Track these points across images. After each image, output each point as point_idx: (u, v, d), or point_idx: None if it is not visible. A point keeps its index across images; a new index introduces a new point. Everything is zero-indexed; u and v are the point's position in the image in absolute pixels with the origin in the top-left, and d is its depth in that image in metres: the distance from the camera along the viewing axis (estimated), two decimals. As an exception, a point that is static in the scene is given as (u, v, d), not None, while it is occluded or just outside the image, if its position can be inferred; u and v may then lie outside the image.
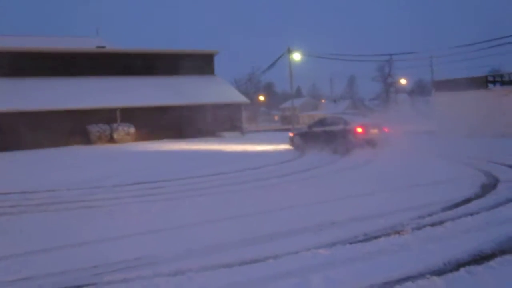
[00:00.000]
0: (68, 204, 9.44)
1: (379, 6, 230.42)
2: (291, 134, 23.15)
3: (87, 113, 31.24)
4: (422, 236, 5.96)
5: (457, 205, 7.78)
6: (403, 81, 72.24)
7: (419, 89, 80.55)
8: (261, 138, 31.77)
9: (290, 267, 4.94)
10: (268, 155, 19.37)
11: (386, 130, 19.57)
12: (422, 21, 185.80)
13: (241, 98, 38.04)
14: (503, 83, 27.53)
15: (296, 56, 37.98)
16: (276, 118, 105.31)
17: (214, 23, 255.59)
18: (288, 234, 6.35)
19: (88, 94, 31.75)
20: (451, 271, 4.70)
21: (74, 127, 30.70)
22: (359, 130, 19.06)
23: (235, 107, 36.56)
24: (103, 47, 37.93)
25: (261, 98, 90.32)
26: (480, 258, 5.06)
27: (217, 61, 40.81)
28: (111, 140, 31.00)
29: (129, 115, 32.31)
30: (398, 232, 6.20)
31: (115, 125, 31.58)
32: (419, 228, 6.36)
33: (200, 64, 38.51)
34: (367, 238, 5.96)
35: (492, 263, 4.89)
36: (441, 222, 6.57)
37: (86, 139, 30.65)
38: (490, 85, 27.80)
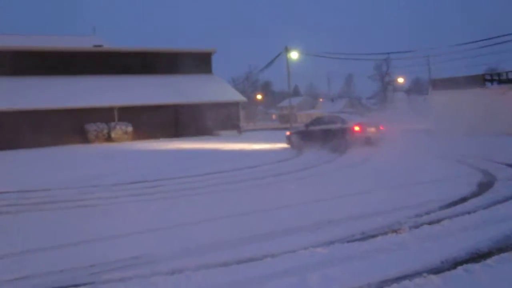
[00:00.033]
0: (66, 203, 9.42)
1: (377, 5, 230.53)
2: (288, 133, 23.18)
3: (84, 112, 31.24)
4: (420, 234, 5.97)
5: (454, 203, 7.79)
6: (400, 80, 72.33)
7: (416, 88, 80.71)
8: (258, 137, 31.76)
9: (287, 266, 4.94)
10: (266, 154, 19.36)
11: (382, 128, 19.64)
12: (419, 20, 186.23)
13: (238, 97, 38.06)
14: (500, 81, 27.55)
15: (294, 55, 38.00)
16: (273, 117, 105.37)
17: (212, 22, 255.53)
18: (286, 232, 6.35)
19: (85, 93, 31.74)
20: (448, 269, 4.71)
21: (71, 126, 30.71)
22: (356, 128, 19.11)
23: (232, 106, 36.58)
24: (100, 46, 37.89)
25: (259, 97, 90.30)
26: (478, 256, 5.07)
27: (214, 60, 40.87)
28: (108, 139, 31.00)
29: (127, 114, 32.32)
30: (395, 231, 6.20)
31: (112, 124, 31.58)
32: (416, 226, 6.37)
33: (198, 63, 38.51)
34: (365, 237, 5.96)
35: (489, 261, 4.90)
36: (438, 221, 6.58)
37: (84, 138, 30.65)
38: (488, 84, 27.82)
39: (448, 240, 5.68)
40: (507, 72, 28.09)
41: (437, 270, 4.68)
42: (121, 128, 31.44)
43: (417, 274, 4.59)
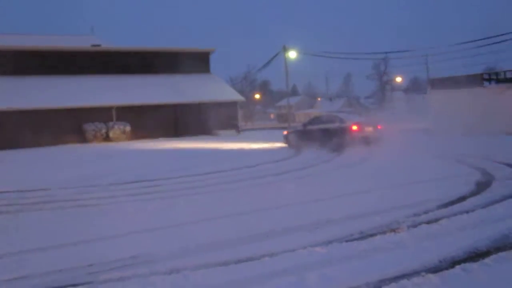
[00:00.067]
0: (64, 203, 9.42)
1: (375, 4, 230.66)
2: (285, 132, 23.19)
3: (82, 111, 31.20)
4: (418, 233, 5.98)
5: (452, 202, 7.80)
6: (398, 79, 72.38)
7: (414, 87, 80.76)
8: (256, 136, 31.76)
9: (286, 265, 4.94)
10: (264, 153, 19.36)
11: (380, 128, 19.67)
12: (417, 19, 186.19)
13: (237, 96, 38.04)
14: (498, 81, 27.59)
15: (292, 54, 38.04)
16: (272, 116, 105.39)
17: (210, 22, 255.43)
18: (284, 232, 6.35)
19: (83, 93, 31.70)
20: (446, 268, 4.72)
21: (69, 125, 30.68)
22: (354, 128, 19.12)
23: (231, 106, 36.56)
24: (98, 45, 37.83)
25: (257, 96, 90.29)
26: (475, 256, 5.08)
27: (213, 60, 40.81)
28: (106, 138, 30.97)
29: (125, 113, 32.28)
30: (393, 230, 6.21)
31: (110, 123, 31.54)
32: (414, 225, 6.38)
33: (196, 62, 38.47)
34: (363, 236, 5.97)
35: (487, 260, 4.91)
36: (436, 220, 6.59)
37: (82, 138, 30.61)
38: (486, 83, 27.86)
39: (446, 239, 5.69)
40: (505, 72, 28.13)
41: (435, 269, 4.69)
42: (119, 128, 31.41)
43: (416, 273, 4.60)
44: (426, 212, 7.12)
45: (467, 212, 7.05)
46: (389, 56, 65.07)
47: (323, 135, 19.80)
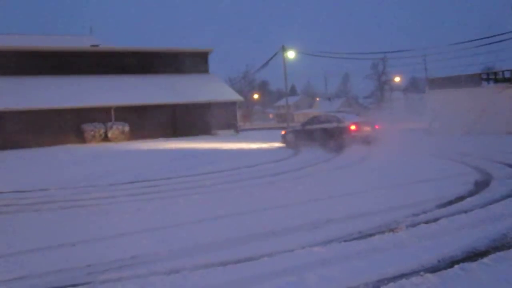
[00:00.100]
0: (63, 203, 9.41)
1: (373, 4, 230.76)
2: (283, 132, 23.21)
3: (81, 111, 31.19)
4: (417, 233, 5.98)
5: (451, 202, 7.81)
6: (397, 79, 72.38)
7: (413, 87, 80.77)
8: (255, 136, 31.77)
9: (285, 265, 4.94)
10: (263, 153, 19.36)
11: (378, 128, 19.71)
12: (416, 19, 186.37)
13: (235, 96, 38.04)
14: (496, 80, 27.63)
15: (291, 54, 38.01)
16: (270, 116, 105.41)
17: (209, 22, 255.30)
18: (283, 232, 6.36)
19: (82, 93, 31.69)
20: (445, 268, 4.72)
21: (68, 125, 30.67)
22: (352, 128, 19.15)
23: (229, 105, 36.57)
24: (97, 45, 37.81)
25: (256, 96, 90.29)
26: (474, 255, 5.09)
27: (211, 60, 40.81)
28: (105, 139, 30.96)
29: (124, 113, 32.27)
30: (392, 230, 6.22)
31: (109, 123, 31.53)
32: (413, 225, 6.39)
33: (195, 62, 38.48)
34: (362, 236, 5.97)
35: (486, 260, 4.91)
36: (435, 220, 6.60)
37: (80, 138, 30.60)
38: (484, 83, 27.89)
39: (445, 239, 5.70)
40: (503, 71, 28.18)
41: (434, 269, 4.69)
42: (118, 128, 31.39)
43: (414, 273, 4.61)
44: (425, 212, 7.13)
45: (465, 212, 7.05)
46: (387, 56, 65.14)
47: (321, 135, 19.83)
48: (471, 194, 8.49)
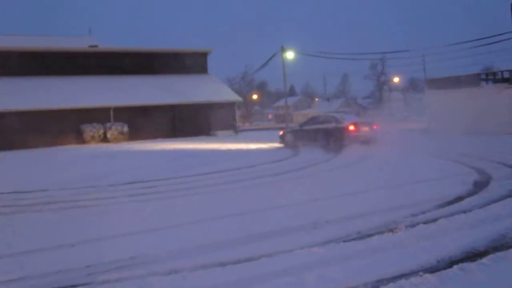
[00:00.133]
0: (62, 204, 9.40)
1: (372, 4, 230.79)
2: (281, 133, 23.25)
3: (80, 112, 31.19)
4: (416, 233, 5.98)
5: (450, 202, 7.82)
6: (396, 79, 72.46)
7: (412, 87, 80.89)
8: (254, 137, 31.79)
9: (284, 266, 4.94)
10: (262, 154, 19.37)
11: (376, 128, 19.75)
12: (415, 20, 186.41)
13: (234, 97, 38.06)
14: (495, 81, 27.68)
15: (290, 55, 37.98)
16: (270, 116, 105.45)
17: (207, 22, 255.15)
18: (283, 232, 6.35)
19: (81, 94, 31.69)
20: (444, 268, 4.73)
21: (67, 126, 30.66)
22: (351, 128, 19.18)
23: (228, 106, 36.59)
24: (96, 46, 37.81)
25: (255, 96, 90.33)
26: (473, 255, 5.09)
27: (210, 60, 40.79)
28: (104, 139, 30.95)
29: (123, 114, 32.27)
30: (391, 230, 6.22)
31: (108, 124, 31.52)
32: (412, 225, 6.39)
33: (194, 63, 38.49)
34: (361, 236, 5.98)
35: (485, 260, 4.92)
36: (434, 220, 6.60)
37: (80, 139, 30.59)
38: (483, 83, 27.93)
39: (444, 239, 5.70)
40: (502, 71, 28.23)
41: (433, 269, 4.70)
42: (117, 129, 31.38)
43: (413, 273, 4.61)
44: (423, 212, 7.13)
45: (464, 212, 7.06)
46: (386, 56, 65.24)
47: (320, 135, 19.85)
48: (470, 194, 8.50)
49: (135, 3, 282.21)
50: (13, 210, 9.00)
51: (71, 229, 7.23)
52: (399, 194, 8.80)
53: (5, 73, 31.48)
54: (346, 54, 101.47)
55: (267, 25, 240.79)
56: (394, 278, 4.49)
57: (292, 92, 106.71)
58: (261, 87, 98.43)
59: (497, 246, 5.36)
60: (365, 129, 19.58)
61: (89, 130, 30.80)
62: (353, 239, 5.87)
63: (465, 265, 4.78)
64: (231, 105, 36.95)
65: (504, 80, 26.92)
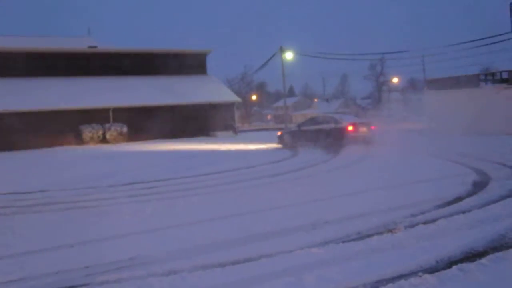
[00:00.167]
0: (62, 205, 9.40)
1: (371, 5, 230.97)
2: (279, 133, 23.26)
3: (79, 113, 31.16)
4: (415, 234, 5.99)
5: (449, 203, 7.82)
6: (395, 80, 72.45)
7: (411, 88, 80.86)
8: (253, 138, 31.80)
9: (284, 266, 4.95)
10: (262, 154, 19.38)
11: (374, 128, 19.81)
12: (414, 20, 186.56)
13: (233, 98, 38.07)
14: (494, 81, 27.71)
15: (289, 55, 38.01)
16: (269, 117, 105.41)
17: (207, 23, 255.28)
18: (282, 233, 6.36)
19: (80, 94, 31.67)
20: (443, 268, 4.73)
21: (66, 127, 30.62)
22: (349, 128, 19.21)
23: (227, 107, 36.59)
24: (95, 47, 37.80)
25: (254, 97, 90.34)
26: (472, 256, 5.10)
27: (209, 61, 40.79)
28: (103, 140, 30.93)
29: (122, 115, 32.25)
30: (391, 230, 6.23)
31: (107, 125, 31.51)
32: (411, 226, 6.39)
33: (193, 63, 38.48)
34: (360, 237, 5.98)
35: (484, 260, 4.92)
36: (433, 220, 6.60)
37: (79, 140, 30.57)
38: (482, 84, 27.96)
39: (443, 239, 5.71)
40: (501, 72, 28.26)
41: (432, 270, 4.70)
42: (116, 129, 31.36)
43: (413, 273, 4.61)
44: (423, 213, 7.14)
45: (463, 212, 7.06)
46: (385, 56, 65.21)
47: (318, 136, 19.88)
48: (469, 194, 8.50)
49: (134, 3, 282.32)
50: (12, 211, 8.99)
51: (71, 229, 7.23)
52: (398, 195, 8.81)
53: (3, 74, 31.45)
54: (345, 54, 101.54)
55: (267, 25, 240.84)
56: (393, 279, 4.49)
57: (291, 93, 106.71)
58: (260, 88, 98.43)
59: (496, 247, 5.37)
60: (364, 129, 19.62)
61: (88, 130, 30.78)
62: (353, 240, 5.87)
63: (464, 265, 4.78)
64: (230, 105, 36.95)
65: (503, 81, 26.96)
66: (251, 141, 27.74)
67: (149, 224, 7.29)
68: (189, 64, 38.10)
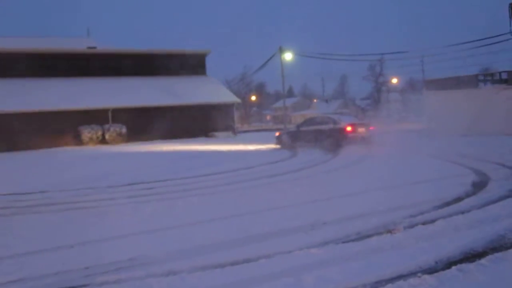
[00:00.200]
0: (61, 205, 9.40)
1: (371, 5, 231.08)
2: (277, 134, 23.26)
3: (78, 114, 31.14)
4: (414, 234, 5.99)
5: (448, 203, 7.83)
6: (394, 80, 72.48)
7: (410, 88, 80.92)
8: (253, 138, 31.81)
9: (283, 267, 4.95)
10: (261, 155, 19.39)
11: (372, 129, 19.85)
12: (413, 20, 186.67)
13: (233, 98, 38.07)
14: (493, 81, 27.74)
15: (288, 56, 38.05)
16: (268, 118, 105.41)
17: (206, 23, 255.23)
18: (281, 233, 6.36)
19: (79, 95, 31.65)
20: (442, 269, 4.73)
21: (65, 128, 30.60)
22: (348, 129, 19.24)
23: (227, 107, 36.59)
24: (94, 47, 37.78)
25: (253, 98, 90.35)
26: (472, 256, 5.10)
27: (209, 61, 40.77)
28: (102, 141, 30.91)
29: (121, 115, 32.23)
30: (390, 231, 6.23)
31: (106, 126, 31.49)
32: (411, 226, 6.40)
33: (192, 64, 38.46)
34: (360, 237, 5.98)
35: (483, 261, 4.92)
36: (432, 221, 6.60)
37: (78, 140, 30.55)
38: (481, 84, 27.98)
39: (443, 240, 5.71)
40: (500, 72, 28.28)
41: (431, 270, 4.70)
42: (115, 130, 31.35)
43: (412, 274, 4.62)
44: (422, 213, 7.14)
45: (463, 212, 7.07)
46: (384, 57, 65.12)
47: (317, 136, 19.89)
48: (468, 195, 8.51)
49: (133, 4, 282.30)
50: (12, 212, 9.00)
51: (70, 230, 7.23)
52: (397, 195, 8.81)
53: (2, 75, 31.42)
54: (344, 55, 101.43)
55: (267, 25, 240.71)
56: (393, 279, 4.50)
57: (290, 93, 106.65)
58: (259, 88, 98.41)
59: (495, 247, 5.37)
60: (362, 130, 19.64)
61: (87, 131, 30.75)
62: (352, 240, 5.87)
63: (463, 266, 4.79)
64: (229, 106, 36.95)
65: (502, 81, 26.98)
66: (251, 141, 27.74)
67: (148, 224, 7.29)
68: (189, 64, 38.09)
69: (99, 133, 31.00)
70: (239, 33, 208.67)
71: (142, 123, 32.41)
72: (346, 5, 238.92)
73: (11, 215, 8.69)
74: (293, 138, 21.27)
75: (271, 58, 38.94)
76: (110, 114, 32.10)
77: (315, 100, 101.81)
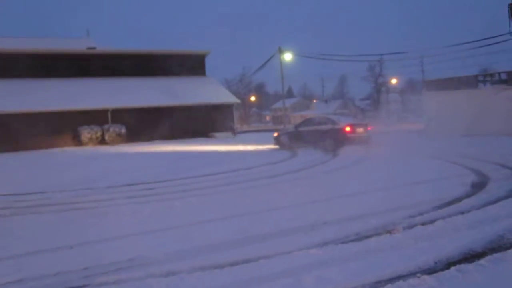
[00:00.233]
0: (61, 206, 9.40)
1: (370, 6, 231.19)
2: (275, 134, 23.24)
3: (78, 114, 31.13)
4: (414, 235, 5.99)
5: (448, 204, 7.83)
6: (393, 81, 72.54)
7: (409, 89, 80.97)
8: (252, 139, 31.80)
9: (282, 267, 4.95)
10: (260, 155, 19.39)
11: (370, 129, 19.88)
12: (412, 21, 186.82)
13: (232, 99, 38.07)
14: (493, 82, 27.74)
15: (287, 56, 38.08)
16: (267, 118, 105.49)
17: (206, 24, 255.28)
18: (280, 234, 6.36)
19: (79, 96, 31.64)
20: (442, 269, 4.73)
21: (64, 128, 30.62)
22: (346, 129, 19.26)
23: (226, 108, 36.59)
24: (94, 48, 37.78)
25: (253, 98, 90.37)
26: (471, 257, 5.10)
27: (208, 62, 40.76)
28: (102, 141, 30.91)
29: (121, 116, 32.23)
30: (389, 232, 6.23)
31: (106, 126, 31.49)
32: (410, 227, 6.40)
33: (192, 64, 38.46)
34: (359, 238, 5.98)
35: (482, 261, 4.93)
36: (432, 221, 6.61)
37: (77, 141, 30.56)
38: (481, 85, 27.99)
39: (442, 240, 5.71)
40: (499, 73, 28.28)
41: (430, 271, 4.71)
42: (115, 131, 31.35)
43: (411, 274, 4.62)
44: (421, 214, 7.15)
45: (462, 213, 7.07)
46: (384, 57, 65.18)
47: (315, 137, 19.88)
48: (468, 195, 8.51)
49: (133, 4, 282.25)
50: (11, 212, 8.99)
51: (70, 231, 7.23)
52: (397, 196, 8.81)
53: (2, 75, 31.41)
54: (344, 55, 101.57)
55: (266, 25, 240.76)
56: (392, 280, 4.50)
57: (290, 94, 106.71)
58: (259, 89, 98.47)
59: (495, 247, 5.37)
60: (361, 130, 19.66)
61: (86, 132, 30.75)
62: (351, 241, 5.87)
63: (462, 266, 4.79)
64: (229, 107, 36.95)
65: (501, 82, 26.98)
66: (250, 142, 27.74)
67: (148, 225, 7.29)
68: (188, 65, 38.09)
69: (99, 133, 31.00)
70: (239, 33, 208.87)
71: (141, 123, 32.43)
72: (346, 5, 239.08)
73: (11, 216, 8.68)
74: (292, 139, 21.27)
75: (270, 58, 39.03)
76: (109, 115, 32.10)
77: (314, 101, 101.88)
